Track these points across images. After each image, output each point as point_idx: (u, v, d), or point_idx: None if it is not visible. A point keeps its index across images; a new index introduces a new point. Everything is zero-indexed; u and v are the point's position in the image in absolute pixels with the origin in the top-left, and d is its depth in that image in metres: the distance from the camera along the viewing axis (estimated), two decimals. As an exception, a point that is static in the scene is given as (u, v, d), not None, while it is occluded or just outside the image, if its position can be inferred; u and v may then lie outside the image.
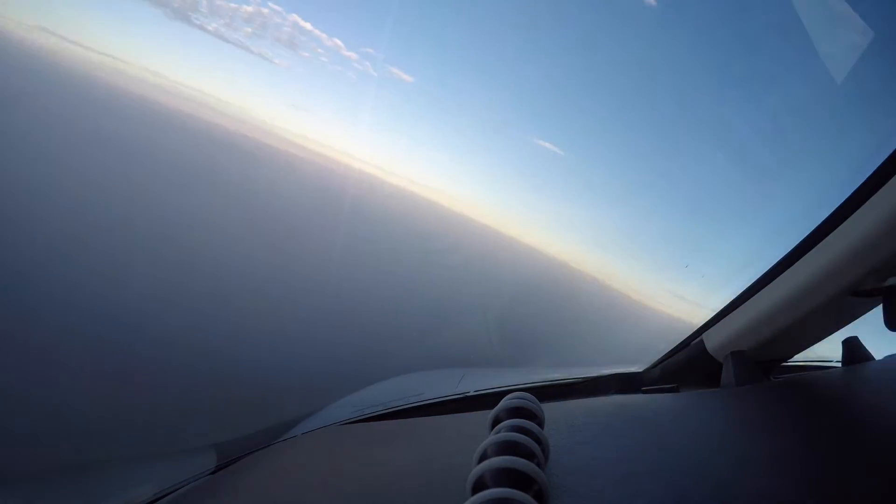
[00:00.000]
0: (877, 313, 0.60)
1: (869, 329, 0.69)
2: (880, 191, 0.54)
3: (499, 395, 0.53)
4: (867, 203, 0.55)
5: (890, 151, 0.53)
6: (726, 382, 0.75)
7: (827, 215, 0.61)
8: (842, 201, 0.59)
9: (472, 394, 0.92)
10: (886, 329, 0.58)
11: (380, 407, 0.88)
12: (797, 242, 0.65)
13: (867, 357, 0.74)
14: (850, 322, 0.71)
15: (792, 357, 0.80)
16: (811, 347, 0.77)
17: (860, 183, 0.56)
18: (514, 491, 0.36)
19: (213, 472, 0.71)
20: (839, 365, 0.76)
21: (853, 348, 0.75)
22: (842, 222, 0.58)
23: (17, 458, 1.35)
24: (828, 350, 0.77)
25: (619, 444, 0.51)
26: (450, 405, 0.90)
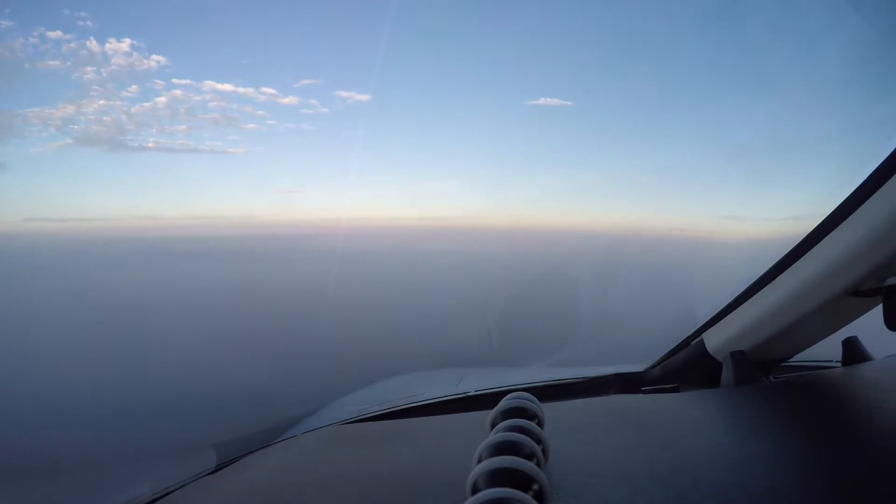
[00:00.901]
0: (877, 313, 0.60)
1: (869, 329, 0.69)
2: (880, 191, 0.54)
3: (499, 395, 0.53)
4: (867, 203, 0.55)
5: (890, 151, 0.53)
6: (726, 382, 0.75)
7: (827, 215, 0.61)
8: (842, 201, 0.59)
9: (472, 394, 0.93)
10: (886, 329, 0.58)
11: (380, 407, 0.88)
12: (797, 242, 0.65)
13: (867, 357, 0.74)
14: (850, 322, 0.71)
15: (792, 357, 0.80)
16: (811, 347, 0.77)
17: (860, 183, 0.56)
18: (514, 491, 0.36)
19: (213, 472, 0.71)
20: (839, 365, 0.76)
21: (853, 348, 0.75)
22: (841, 222, 0.58)
23: (17, 458, 1.35)
24: (828, 350, 0.77)
25: (619, 444, 0.51)
26: (450, 405, 0.90)
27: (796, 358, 0.80)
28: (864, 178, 0.56)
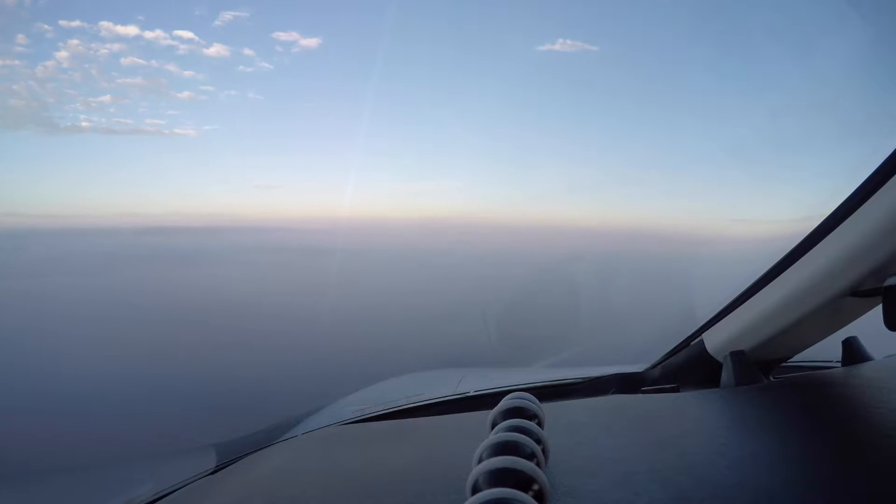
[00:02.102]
0: (877, 313, 0.60)
1: (869, 329, 0.69)
2: (880, 191, 0.54)
3: (499, 396, 0.53)
4: (867, 203, 0.55)
5: (890, 151, 0.53)
6: (726, 382, 0.75)
7: (827, 215, 0.61)
8: (842, 201, 0.59)
9: (472, 394, 0.93)
10: (886, 329, 0.58)
11: (380, 407, 0.88)
12: (797, 242, 0.65)
13: (867, 357, 0.74)
14: (850, 322, 0.71)
15: (792, 357, 0.80)
16: (811, 347, 0.77)
17: (860, 183, 0.56)
18: (514, 491, 0.36)
19: (213, 472, 0.72)
20: (839, 365, 0.76)
21: (853, 348, 0.75)
22: (842, 222, 0.58)
23: (17, 458, 1.35)
24: (828, 350, 0.77)
25: (619, 444, 0.51)
26: (450, 405, 0.90)
27: (796, 358, 0.80)
28: (865, 178, 0.56)
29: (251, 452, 0.75)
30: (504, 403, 0.50)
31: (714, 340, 0.81)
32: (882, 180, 0.53)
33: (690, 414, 0.60)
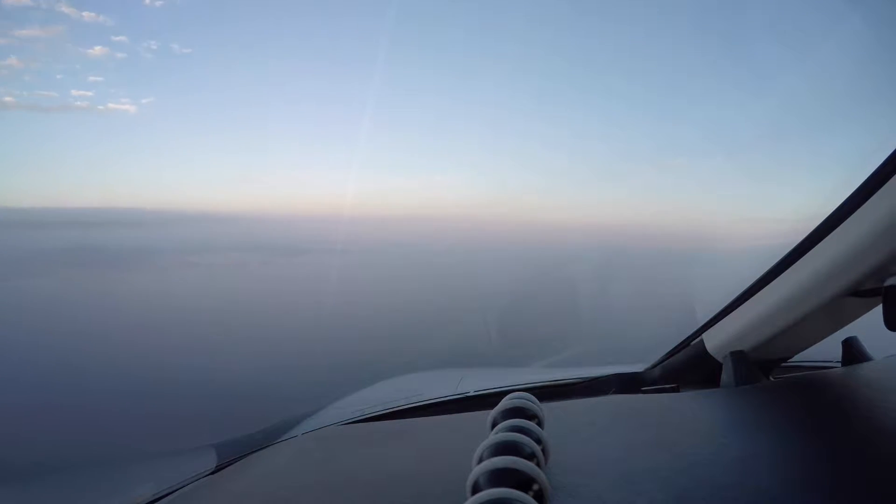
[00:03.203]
0: (877, 313, 0.60)
1: (869, 329, 0.69)
2: (880, 191, 0.54)
3: (499, 396, 0.53)
4: (867, 203, 0.55)
5: (890, 151, 0.53)
6: (726, 382, 0.75)
7: (827, 215, 0.61)
8: (841, 201, 0.59)
9: (472, 394, 0.93)
10: (886, 329, 0.58)
11: (380, 407, 0.88)
12: (797, 242, 0.65)
13: (867, 357, 0.74)
14: (849, 322, 0.71)
15: (792, 357, 0.80)
16: (811, 347, 0.77)
17: (860, 183, 0.56)
18: (514, 491, 0.36)
19: (213, 472, 0.72)
20: (839, 365, 0.76)
21: (853, 348, 0.75)
22: (842, 222, 0.58)
23: (17, 458, 1.35)
24: (828, 350, 0.77)
25: (619, 444, 0.51)
26: (450, 405, 0.90)
27: (796, 358, 0.80)
28: (864, 178, 0.56)
29: (251, 452, 0.75)
30: (504, 403, 0.50)
31: (714, 340, 0.81)
32: (882, 180, 0.53)
33: (690, 414, 0.60)
